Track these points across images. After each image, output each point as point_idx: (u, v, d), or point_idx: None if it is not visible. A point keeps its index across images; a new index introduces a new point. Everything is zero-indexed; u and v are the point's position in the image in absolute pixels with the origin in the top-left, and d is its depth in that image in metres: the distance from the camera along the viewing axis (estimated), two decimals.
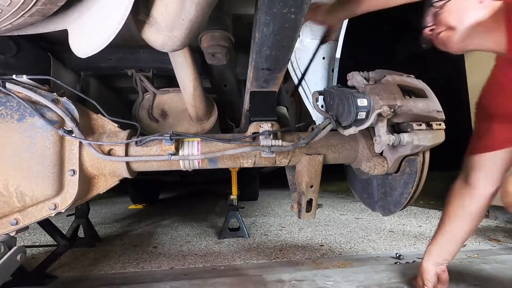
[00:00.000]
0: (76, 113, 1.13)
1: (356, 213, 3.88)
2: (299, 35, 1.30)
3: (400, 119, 1.03)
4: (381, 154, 1.17)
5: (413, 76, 1.12)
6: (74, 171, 1.11)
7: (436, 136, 1.02)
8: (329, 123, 1.11)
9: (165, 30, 0.85)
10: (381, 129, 1.01)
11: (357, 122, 1.03)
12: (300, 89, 1.60)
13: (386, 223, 3.25)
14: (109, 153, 1.15)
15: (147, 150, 1.17)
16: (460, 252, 2.14)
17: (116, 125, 1.24)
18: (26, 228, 1.14)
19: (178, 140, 1.18)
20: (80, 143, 1.13)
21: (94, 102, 1.17)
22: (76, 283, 1.88)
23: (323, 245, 2.51)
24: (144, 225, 3.59)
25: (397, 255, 2.07)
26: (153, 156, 1.15)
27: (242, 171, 3.13)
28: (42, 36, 1.46)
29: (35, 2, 0.74)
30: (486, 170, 1.33)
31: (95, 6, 0.81)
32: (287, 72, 1.54)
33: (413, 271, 1.81)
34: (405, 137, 1.00)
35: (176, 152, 1.17)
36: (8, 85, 1.08)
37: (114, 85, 2.02)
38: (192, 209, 4.63)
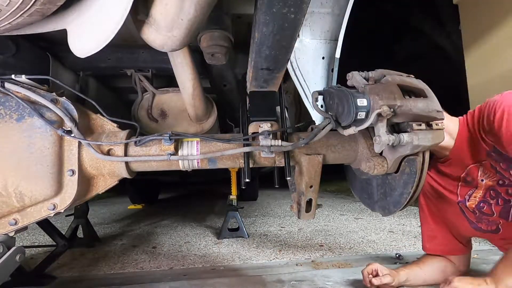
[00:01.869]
0: (75, 113, 1.13)
1: (356, 213, 3.88)
2: (298, 35, 1.30)
3: (399, 119, 1.03)
4: (380, 154, 1.17)
5: (413, 76, 1.12)
6: (73, 171, 1.11)
7: (436, 136, 1.02)
8: (328, 123, 1.10)
9: (165, 30, 0.85)
10: (381, 129, 1.00)
11: (357, 122, 1.03)
12: (299, 89, 1.59)
13: (386, 223, 3.25)
14: (108, 153, 1.15)
15: (146, 150, 1.17)
16: None
17: (115, 125, 1.24)
18: (25, 228, 1.13)
19: (178, 140, 1.18)
20: (79, 143, 1.13)
21: (93, 102, 1.16)
22: (75, 283, 1.88)
23: (322, 245, 2.51)
24: (143, 225, 3.59)
25: (397, 255, 2.07)
26: (152, 156, 1.15)
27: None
28: (41, 36, 1.46)
29: (34, 2, 0.74)
30: None
31: (94, 6, 0.81)
32: (287, 71, 1.54)
33: None
34: (404, 137, 1.00)
35: (176, 152, 1.17)
36: (7, 85, 1.08)
37: (113, 85, 2.01)
38: (192, 209, 4.62)
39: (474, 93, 3.11)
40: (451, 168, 1.45)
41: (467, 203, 1.44)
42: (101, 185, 1.22)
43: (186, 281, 1.82)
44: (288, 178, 1.23)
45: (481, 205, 1.41)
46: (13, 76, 1.09)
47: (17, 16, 0.77)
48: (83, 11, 0.83)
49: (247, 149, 1.15)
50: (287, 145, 1.14)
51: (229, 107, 1.99)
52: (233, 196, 2.97)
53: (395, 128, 1.08)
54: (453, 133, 1.37)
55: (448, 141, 1.35)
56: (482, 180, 1.37)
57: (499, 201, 1.36)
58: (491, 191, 1.37)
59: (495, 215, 1.39)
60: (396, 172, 1.17)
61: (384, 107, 0.97)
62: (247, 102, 1.28)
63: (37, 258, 2.26)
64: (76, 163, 1.12)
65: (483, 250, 2.18)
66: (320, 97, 1.18)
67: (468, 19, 3.32)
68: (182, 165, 1.20)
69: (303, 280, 1.76)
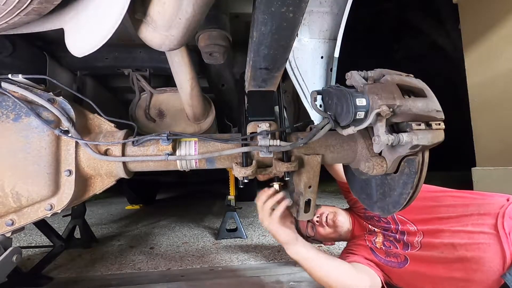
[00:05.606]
0: (72, 113, 1.12)
1: None
2: (297, 34, 1.30)
3: (399, 119, 1.02)
4: (380, 154, 1.17)
5: (412, 76, 1.11)
6: (70, 171, 1.10)
7: (436, 135, 1.01)
8: (327, 123, 1.10)
9: (162, 29, 0.84)
10: (380, 129, 1.00)
11: (356, 121, 1.02)
12: (298, 89, 1.59)
13: None
14: (105, 153, 1.14)
15: (144, 150, 1.16)
16: None
17: (112, 125, 1.23)
18: (22, 228, 1.13)
19: (175, 140, 1.17)
20: (77, 143, 1.12)
21: (90, 102, 1.15)
22: (72, 284, 1.87)
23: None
24: (141, 226, 3.58)
25: None
26: (150, 156, 1.14)
27: None
28: (38, 35, 1.45)
29: (31, 1, 0.73)
30: None
31: (91, 5, 0.80)
32: (285, 71, 1.53)
33: None
34: (404, 137, 0.99)
35: (173, 152, 1.16)
36: (3, 84, 1.07)
37: (111, 85, 2.00)
38: (190, 210, 4.61)
39: (474, 92, 3.11)
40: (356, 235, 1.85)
41: (376, 246, 1.67)
42: (99, 185, 1.21)
43: (183, 282, 1.82)
44: (286, 179, 1.22)
45: (385, 244, 1.65)
46: (10, 76, 1.08)
47: (14, 15, 0.76)
48: (80, 10, 0.83)
49: (245, 149, 1.14)
50: (285, 145, 1.13)
51: (227, 107, 1.99)
52: (232, 196, 2.96)
53: (394, 128, 1.08)
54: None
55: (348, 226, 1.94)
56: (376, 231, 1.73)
57: (397, 239, 1.62)
58: (384, 235, 1.67)
59: (398, 248, 1.58)
60: (395, 172, 1.17)
61: (383, 106, 0.96)
62: (245, 102, 1.27)
63: (34, 258, 2.25)
64: (73, 163, 1.11)
65: None
66: (319, 97, 1.17)
67: (468, 18, 3.33)
68: (180, 165, 1.20)
69: (301, 281, 1.75)
